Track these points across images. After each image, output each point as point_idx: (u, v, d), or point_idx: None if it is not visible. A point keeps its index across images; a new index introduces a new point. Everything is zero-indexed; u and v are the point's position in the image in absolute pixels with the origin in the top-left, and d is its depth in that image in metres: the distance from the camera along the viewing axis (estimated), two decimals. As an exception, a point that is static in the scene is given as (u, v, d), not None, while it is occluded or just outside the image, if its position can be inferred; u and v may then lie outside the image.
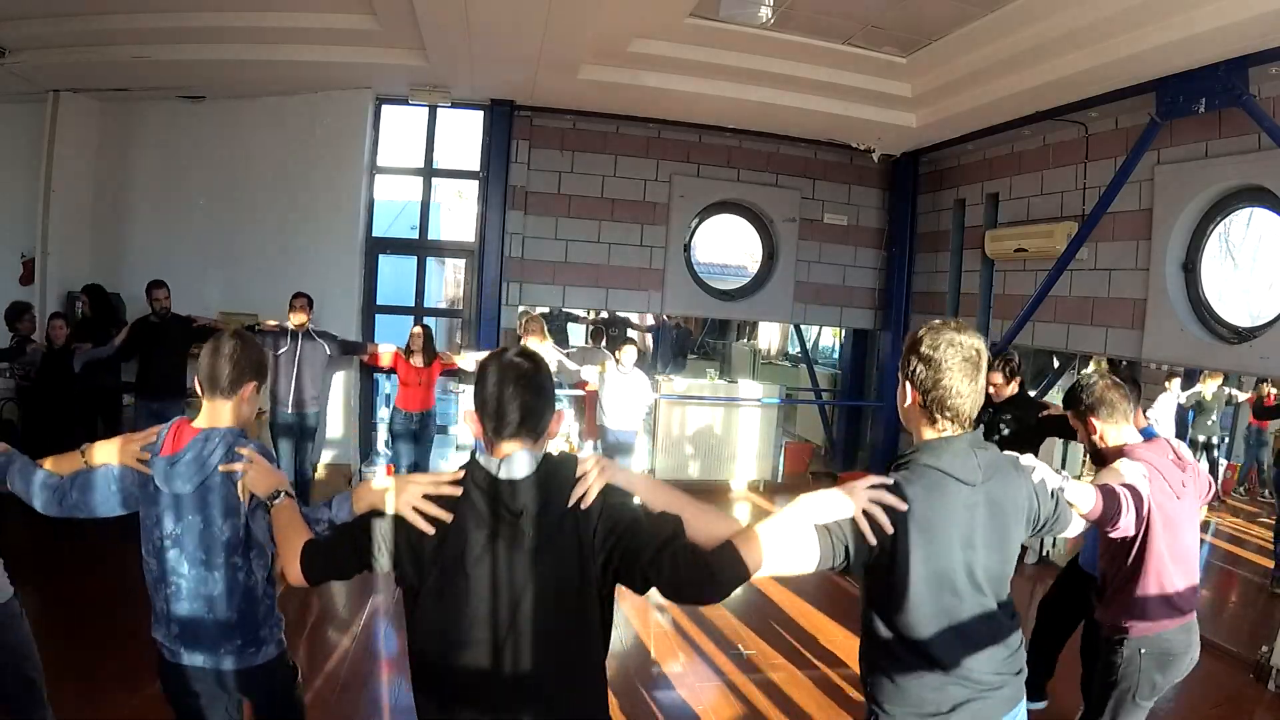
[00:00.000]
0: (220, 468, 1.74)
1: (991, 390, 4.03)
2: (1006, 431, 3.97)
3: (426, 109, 6.42)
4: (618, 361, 5.65)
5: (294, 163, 6.08)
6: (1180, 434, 6.93)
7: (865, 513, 1.44)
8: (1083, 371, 2.65)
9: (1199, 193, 4.57)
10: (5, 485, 1.81)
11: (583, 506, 1.34)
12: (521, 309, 7.05)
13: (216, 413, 1.80)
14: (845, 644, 3.90)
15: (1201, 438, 6.86)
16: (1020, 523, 1.62)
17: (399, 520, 1.38)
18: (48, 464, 1.83)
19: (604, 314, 8.92)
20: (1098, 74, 4.45)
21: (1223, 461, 7.36)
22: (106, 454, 1.81)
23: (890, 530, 1.45)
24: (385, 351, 5.59)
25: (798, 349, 10.19)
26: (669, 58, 5.19)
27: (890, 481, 1.48)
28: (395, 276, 7.08)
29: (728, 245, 9.17)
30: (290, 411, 5.19)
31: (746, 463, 7.15)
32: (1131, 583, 2.30)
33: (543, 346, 5.37)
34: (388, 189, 7.46)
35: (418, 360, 5.47)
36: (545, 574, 1.34)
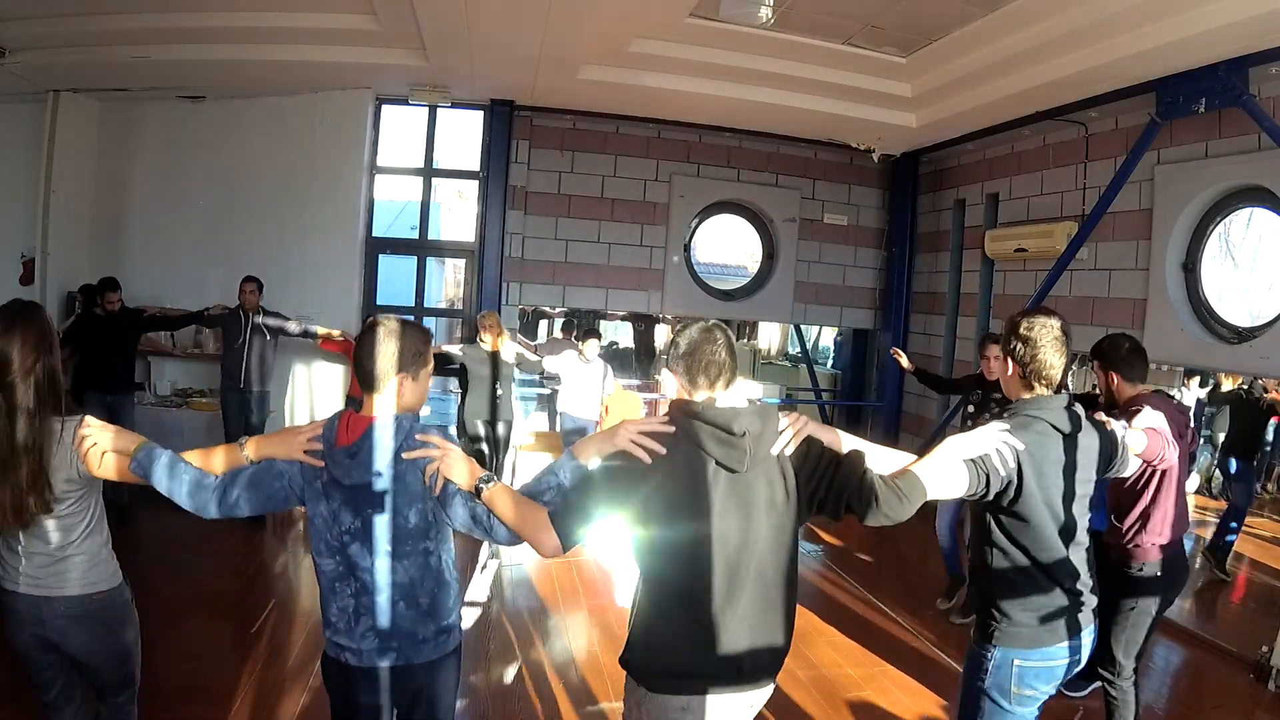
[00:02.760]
0: (405, 455, 1.68)
1: (991, 362, 4.12)
2: (997, 410, 4.01)
3: (426, 109, 6.41)
4: (581, 353, 5.67)
5: (294, 163, 6.08)
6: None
7: (998, 450, 1.79)
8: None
9: (1199, 193, 4.57)
10: (143, 480, 1.73)
11: (787, 453, 1.61)
12: (521, 309, 7.06)
13: (373, 405, 1.73)
14: (843, 644, 3.90)
15: (1220, 435, 6.83)
16: (1097, 465, 2.01)
17: (630, 462, 1.57)
18: (194, 459, 1.76)
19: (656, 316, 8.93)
20: (1098, 74, 4.45)
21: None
22: (269, 448, 1.75)
23: (1014, 463, 1.80)
24: (338, 338, 5.62)
25: (798, 349, 10.20)
26: (669, 58, 5.19)
27: (1008, 426, 1.84)
28: (395, 276, 7.08)
29: (728, 245, 9.16)
30: (242, 387, 5.36)
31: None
32: (1149, 513, 2.70)
33: (500, 339, 5.36)
34: (388, 189, 7.47)
35: None
36: (764, 491, 1.60)
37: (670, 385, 1.67)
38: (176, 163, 6.12)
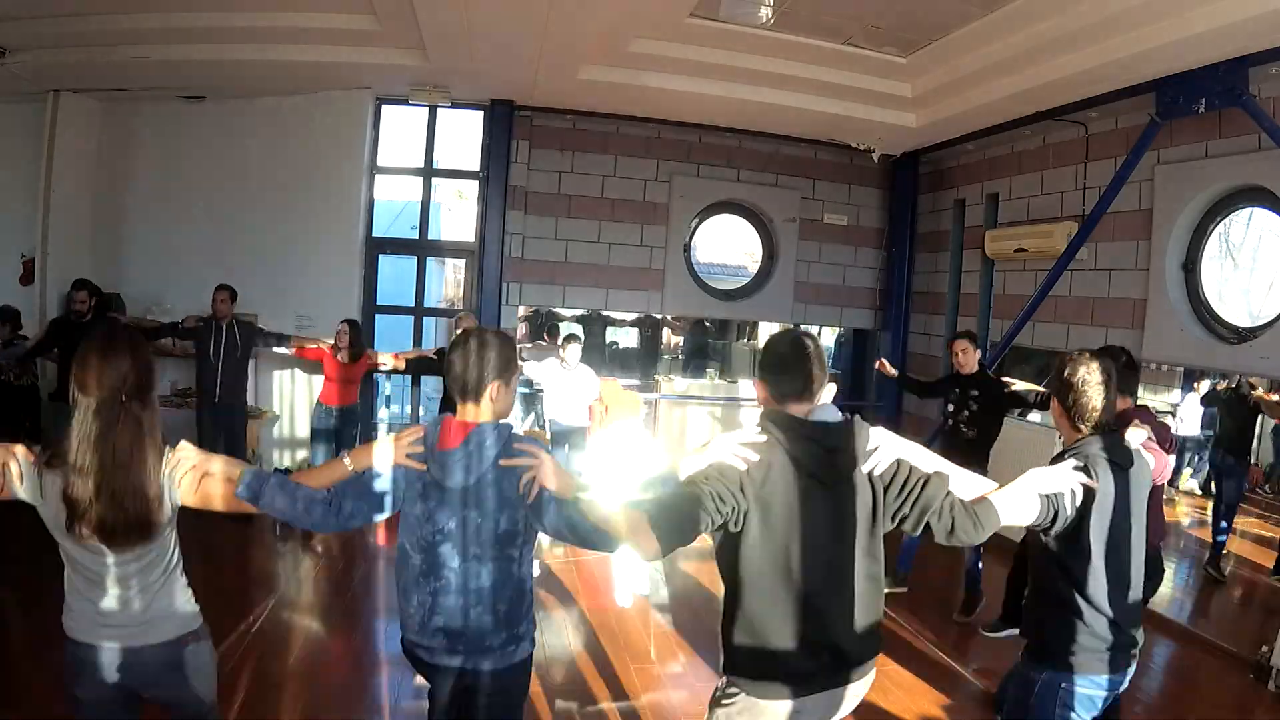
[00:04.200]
0: (502, 463, 1.75)
1: (960, 356, 4.25)
2: (975, 407, 4.13)
3: (426, 109, 6.41)
4: (562, 359, 5.59)
5: (294, 163, 6.08)
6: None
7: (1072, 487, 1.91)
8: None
9: (1199, 193, 4.57)
10: (250, 504, 1.71)
11: (877, 473, 1.68)
12: (521, 310, 7.06)
13: (469, 412, 1.82)
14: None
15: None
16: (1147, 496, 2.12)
17: (728, 470, 1.63)
18: (300, 479, 1.79)
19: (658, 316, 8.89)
20: (1098, 74, 4.44)
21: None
22: (370, 458, 1.80)
23: (1081, 502, 1.92)
24: (312, 345, 5.50)
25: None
26: (669, 58, 5.19)
27: (1082, 465, 1.94)
28: (395, 276, 7.08)
29: (728, 245, 9.16)
30: (216, 401, 5.27)
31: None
32: None
33: None
34: (388, 189, 7.46)
35: (343, 356, 5.35)
36: (853, 502, 1.67)
37: (760, 395, 1.75)
38: (176, 163, 6.13)
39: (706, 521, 1.61)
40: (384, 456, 1.79)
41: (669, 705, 3.30)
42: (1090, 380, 2.05)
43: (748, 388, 7.62)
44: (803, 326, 9.18)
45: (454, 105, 6.26)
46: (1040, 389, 4.13)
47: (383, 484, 1.79)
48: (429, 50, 5.15)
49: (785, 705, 1.65)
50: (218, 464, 1.74)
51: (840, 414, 1.70)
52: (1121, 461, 2.02)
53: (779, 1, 4.51)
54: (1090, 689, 1.98)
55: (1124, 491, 2.01)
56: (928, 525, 1.69)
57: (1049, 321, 5.59)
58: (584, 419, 5.67)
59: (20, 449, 1.67)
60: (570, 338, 5.75)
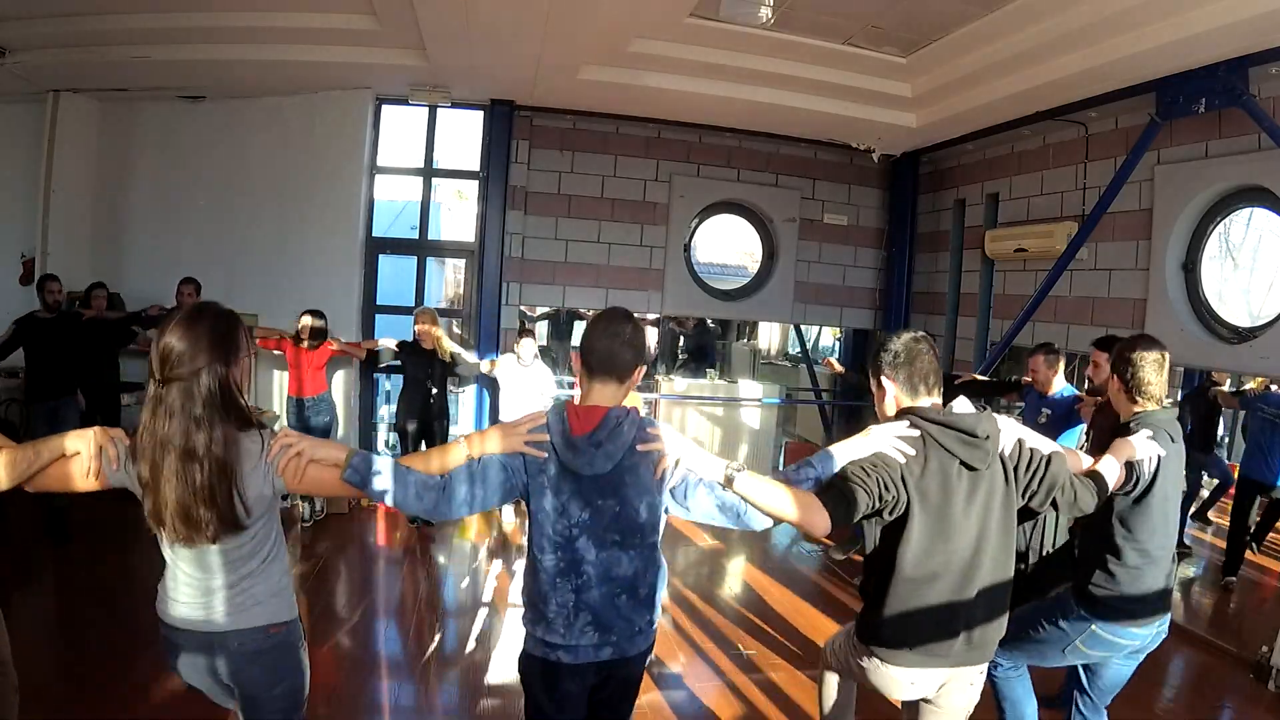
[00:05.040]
0: (640, 447, 1.69)
1: None
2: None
3: (426, 109, 6.41)
4: (517, 356, 5.54)
5: (294, 163, 6.07)
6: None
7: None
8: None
9: (1199, 193, 4.57)
10: (358, 489, 1.63)
11: (1005, 453, 1.86)
12: (521, 309, 7.06)
13: (607, 394, 1.73)
14: (845, 644, 3.90)
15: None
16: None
17: (891, 461, 1.77)
18: (412, 463, 1.69)
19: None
20: (1098, 74, 4.45)
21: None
22: (488, 445, 1.70)
23: (1153, 467, 2.22)
24: (271, 336, 5.46)
25: (798, 349, 10.19)
26: (669, 58, 5.19)
27: (1151, 434, 2.23)
28: (395, 276, 7.07)
29: (728, 245, 9.16)
30: None
31: (746, 463, 7.14)
32: None
33: (439, 338, 5.32)
34: (388, 189, 7.46)
35: (306, 344, 5.36)
36: (995, 484, 1.84)
37: (890, 391, 1.90)
38: (176, 163, 6.12)
39: (867, 505, 1.74)
40: (505, 443, 1.70)
41: (669, 705, 3.30)
42: (1147, 358, 2.32)
43: (747, 387, 7.62)
44: (804, 327, 9.23)
45: (454, 105, 6.25)
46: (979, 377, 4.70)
47: (500, 472, 1.69)
48: (429, 50, 5.15)
49: (908, 673, 1.85)
50: (323, 448, 1.65)
51: (973, 407, 1.85)
52: (1173, 434, 2.31)
53: (779, 1, 4.51)
54: (1116, 637, 2.27)
55: (1175, 459, 2.30)
56: (1054, 502, 1.87)
57: (1049, 321, 5.59)
58: None
59: (120, 433, 1.60)
60: (525, 332, 5.66)
